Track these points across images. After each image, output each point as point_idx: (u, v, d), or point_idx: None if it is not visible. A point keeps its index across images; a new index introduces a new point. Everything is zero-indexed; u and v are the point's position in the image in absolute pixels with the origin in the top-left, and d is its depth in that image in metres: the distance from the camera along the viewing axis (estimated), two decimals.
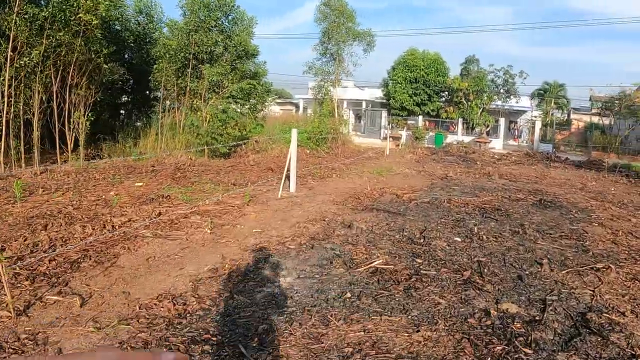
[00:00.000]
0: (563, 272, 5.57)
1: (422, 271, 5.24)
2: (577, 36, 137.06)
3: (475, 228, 7.21)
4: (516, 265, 5.66)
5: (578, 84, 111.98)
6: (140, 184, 10.54)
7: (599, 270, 5.67)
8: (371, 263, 5.47)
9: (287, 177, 10.38)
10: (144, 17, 22.77)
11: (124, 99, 23.78)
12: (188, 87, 20.78)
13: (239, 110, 20.96)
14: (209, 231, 6.78)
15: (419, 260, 5.64)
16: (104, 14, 14.07)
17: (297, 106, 50.31)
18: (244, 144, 19.33)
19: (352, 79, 46.92)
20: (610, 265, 5.74)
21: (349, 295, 4.52)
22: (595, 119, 44.67)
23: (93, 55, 14.28)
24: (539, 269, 5.61)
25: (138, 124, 23.03)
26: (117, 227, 6.60)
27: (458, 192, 10.63)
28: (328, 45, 22.27)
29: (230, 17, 23.91)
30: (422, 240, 6.43)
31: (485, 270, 5.39)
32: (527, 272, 5.45)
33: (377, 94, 39.14)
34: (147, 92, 23.85)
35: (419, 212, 8.35)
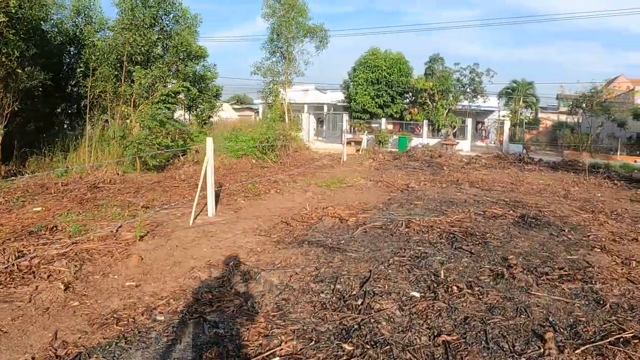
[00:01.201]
0: (577, 351, 3.44)
1: None
2: (543, 36, 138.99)
3: (442, 271, 5.01)
4: (506, 345, 3.48)
5: (547, 82, 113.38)
6: (39, 208, 8.44)
7: (628, 343, 3.57)
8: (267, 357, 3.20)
9: (217, 194, 8.03)
10: (82, 18, 20.04)
11: (63, 107, 20.96)
12: (118, 93, 18.26)
13: (174, 116, 18.54)
14: (62, 287, 4.57)
15: (348, 348, 3.38)
16: (14, 11, 11.65)
17: (257, 112, 47.88)
18: (183, 154, 16.91)
19: (313, 82, 44.99)
20: None
21: None
22: (564, 118, 43.86)
23: (4, 59, 11.78)
24: (542, 348, 3.45)
25: (72, 134, 20.30)
26: None
27: (421, 209, 8.47)
28: (277, 42, 20.04)
29: (171, 15, 21.45)
30: (360, 302, 4.18)
31: None
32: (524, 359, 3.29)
33: (340, 97, 37.15)
34: (86, 99, 21.16)
35: (365, 245, 6.12)
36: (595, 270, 5.35)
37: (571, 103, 31.20)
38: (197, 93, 20.33)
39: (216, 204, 9.17)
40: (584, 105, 30.30)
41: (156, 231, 6.98)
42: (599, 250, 6.22)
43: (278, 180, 12.28)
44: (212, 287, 4.69)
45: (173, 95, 16.49)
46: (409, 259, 5.48)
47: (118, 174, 13.39)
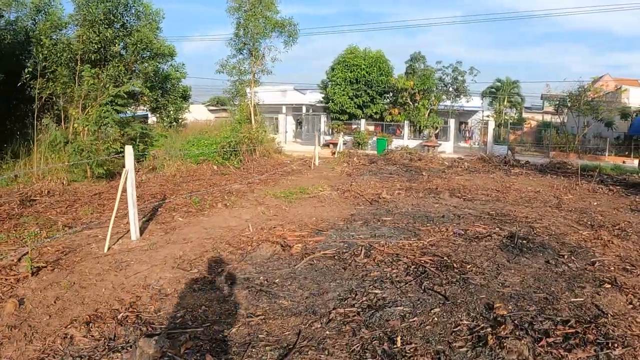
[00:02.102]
0: None
1: None
2: (527, 38, 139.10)
3: (400, 335, 3.52)
4: None
5: (532, 80, 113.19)
6: None
7: None
8: None
9: (156, 210, 6.48)
10: (42, 15, 18.29)
11: (22, 109, 19.20)
12: (67, 94, 16.63)
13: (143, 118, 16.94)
14: None
15: None
16: None
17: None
18: (140, 160, 15.26)
19: (292, 83, 43.39)
20: None
21: None
22: (548, 118, 42.91)
23: None
24: None
25: (23, 139, 18.54)
26: None
27: (389, 229, 6.99)
28: (244, 38, 18.45)
29: (132, 11, 19.80)
30: None
31: None
32: None
33: (320, 97, 35.68)
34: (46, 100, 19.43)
35: (306, 285, 4.63)
36: (609, 322, 3.92)
37: (557, 102, 30.08)
38: (148, 93, 18.65)
39: (149, 222, 7.67)
40: (569, 104, 29.25)
41: (62, 260, 5.55)
42: (610, 285, 4.80)
43: (233, 191, 10.74)
44: (78, 357, 3.20)
45: (124, 96, 14.84)
46: (359, 310, 3.98)
47: (63, 184, 11.87)
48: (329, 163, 17.87)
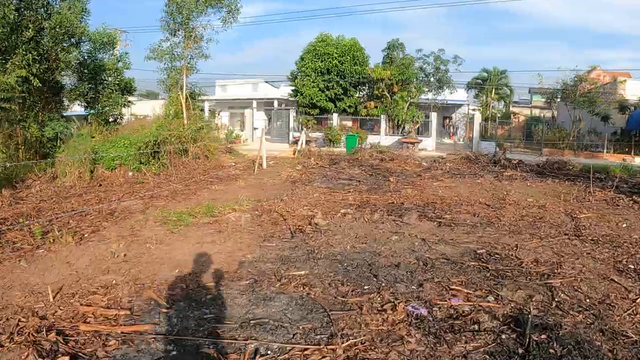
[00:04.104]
0: None
1: None
2: (513, 34, 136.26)
3: None
4: None
5: (523, 70, 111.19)
6: None
7: None
8: None
9: None
10: None
11: None
12: None
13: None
14: None
15: None
16: None
17: (201, 109, 42.41)
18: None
19: (262, 75, 39.83)
20: None
21: None
22: (537, 112, 40.12)
23: None
24: None
25: None
26: None
27: (282, 306, 3.79)
28: (176, 18, 15.10)
29: None
30: None
31: None
32: None
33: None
34: None
35: None
36: None
37: (550, 94, 27.14)
38: (37, 83, 15.21)
39: None
40: (560, 97, 26.43)
41: None
42: None
43: (119, 210, 7.52)
44: None
45: (8, 89, 11.54)
46: None
47: None
48: (282, 164, 14.66)
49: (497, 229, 6.41)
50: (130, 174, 12.13)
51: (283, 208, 7.26)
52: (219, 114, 36.76)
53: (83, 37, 18.18)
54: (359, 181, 10.73)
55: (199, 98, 20.33)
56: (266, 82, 41.48)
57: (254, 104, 39.01)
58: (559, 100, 27.31)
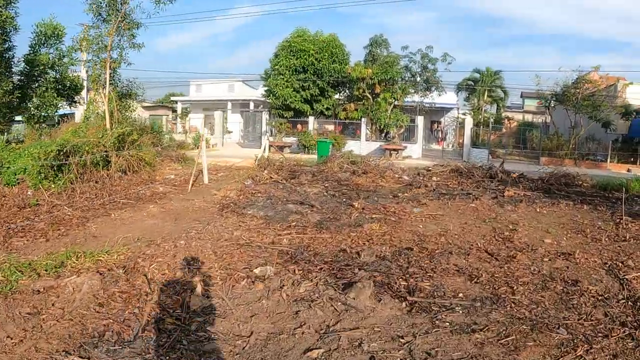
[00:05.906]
0: None
1: None
2: (503, 40, 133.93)
3: None
4: None
5: (519, 70, 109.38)
6: None
7: None
8: None
9: None
10: None
11: None
12: None
13: None
14: None
15: None
16: None
17: (174, 110, 39.56)
18: None
19: (238, 74, 36.88)
20: None
21: None
22: (529, 117, 37.76)
23: None
24: None
25: None
26: None
27: None
28: (102, 2, 12.23)
29: None
30: None
31: None
32: None
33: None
34: None
35: None
36: None
37: (547, 97, 24.62)
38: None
39: None
40: (559, 100, 23.98)
41: None
42: None
43: None
44: None
45: None
46: None
47: None
48: (231, 177, 11.92)
49: (510, 315, 3.73)
50: (30, 192, 9.34)
51: (163, 263, 4.53)
52: (187, 116, 33.88)
53: (7, 27, 15.38)
54: (312, 206, 8.00)
55: (140, 98, 17.45)
56: (243, 82, 38.66)
57: (229, 105, 36.20)
58: (555, 104, 24.83)
